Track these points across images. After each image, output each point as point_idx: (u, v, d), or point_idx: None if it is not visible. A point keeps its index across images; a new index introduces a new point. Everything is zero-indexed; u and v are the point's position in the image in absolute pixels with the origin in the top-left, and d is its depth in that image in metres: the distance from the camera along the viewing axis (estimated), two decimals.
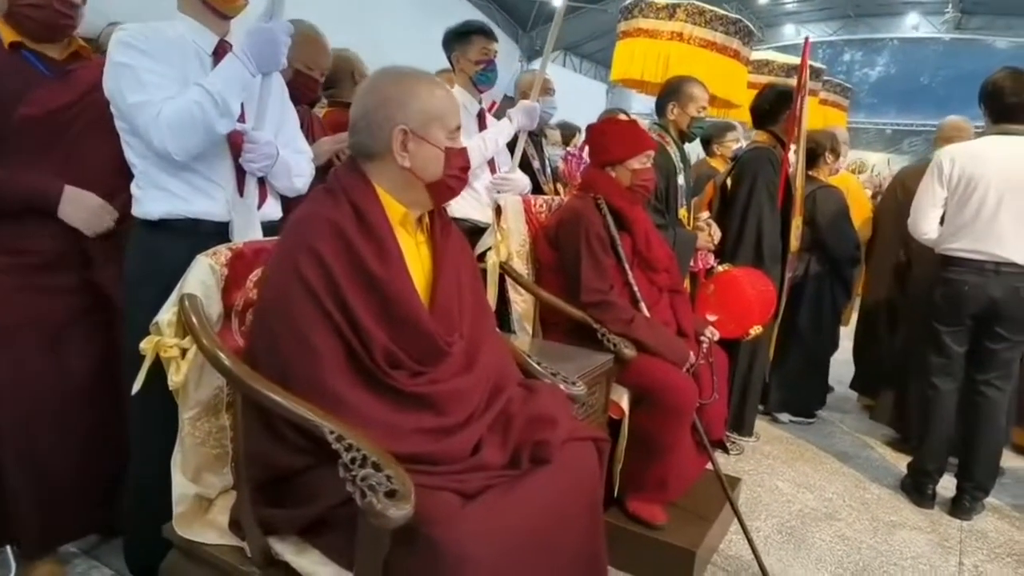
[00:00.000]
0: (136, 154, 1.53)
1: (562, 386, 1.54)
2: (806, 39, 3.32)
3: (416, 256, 1.32)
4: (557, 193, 3.00)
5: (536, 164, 2.93)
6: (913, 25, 15.39)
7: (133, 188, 1.56)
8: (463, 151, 1.35)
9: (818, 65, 5.45)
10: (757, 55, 4.78)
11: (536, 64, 14.39)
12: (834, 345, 3.61)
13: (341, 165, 1.34)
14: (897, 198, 3.59)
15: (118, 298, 1.67)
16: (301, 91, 2.15)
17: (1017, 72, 2.43)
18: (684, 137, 2.78)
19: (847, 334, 3.83)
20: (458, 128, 1.34)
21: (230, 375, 1.15)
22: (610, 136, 2.21)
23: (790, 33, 16.51)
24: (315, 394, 1.12)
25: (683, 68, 3.74)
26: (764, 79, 5.24)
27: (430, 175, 1.30)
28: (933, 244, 2.62)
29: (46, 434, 1.67)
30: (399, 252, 1.25)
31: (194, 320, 1.19)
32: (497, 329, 1.52)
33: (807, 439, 3.34)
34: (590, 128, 2.30)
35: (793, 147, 3.00)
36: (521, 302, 2.25)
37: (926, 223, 2.60)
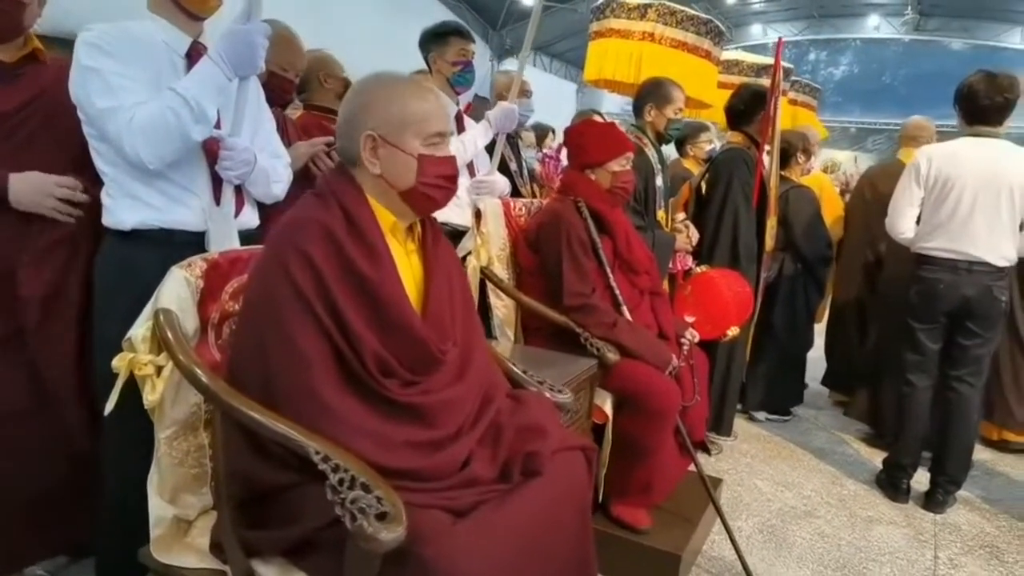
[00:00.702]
0: (106, 162, 1.46)
1: (548, 394, 1.52)
2: (779, 39, 3.35)
3: (407, 265, 1.29)
4: (535, 195, 2.98)
5: (513, 166, 2.92)
6: (875, 26, 15.74)
7: (103, 197, 1.50)
8: (445, 160, 1.28)
9: (787, 65, 5.53)
10: (726, 55, 4.82)
11: (506, 64, 14.37)
12: (809, 343, 3.66)
13: (331, 170, 1.30)
14: (865, 198, 3.66)
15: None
16: (275, 93, 2.10)
17: (991, 75, 2.47)
18: (661, 139, 2.78)
19: (819, 331, 3.89)
20: (439, 134, 1.27)
21: (209, 393, 1.11)
22: (589, 138, 2.19)
23: (757, 33, 16.76)
24: (302, 401, 1.09)
25: (655, 68, 3.75)
26: (734, 79, 5.30)
27: (402, 183, 1.25)
28: (909, 243, 2.66)
29: None
30: (390, 256, 1.22)
31: (170, 336, 1.14)
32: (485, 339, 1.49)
33: (784, 437, 3.38)
34: (568, 130, 2.29)
35: (767, 148, 3.03)
36: (502, 307, 2.23)
37: (903, 222, 2.64)
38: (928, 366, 2.70)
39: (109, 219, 1.50)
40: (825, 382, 3.97)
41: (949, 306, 2.56)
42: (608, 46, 4.01)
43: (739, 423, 3.38)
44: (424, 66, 2.66)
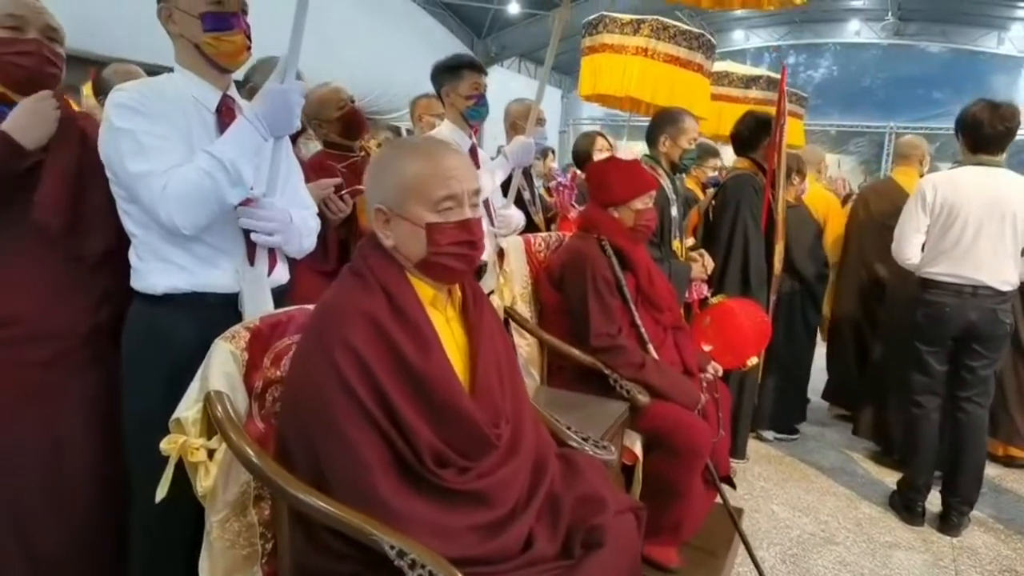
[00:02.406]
0: (135, 223, 1.42)
1: (590, 451, 1.50)
2: (783, 66, 3.37)
3: (449, 335, 1.25)
4: (547, 224, 2.96)
5: (527, 195, 2.89)
6: (855, 31, 15.94)
7: (132, 258, 1.46)
8: (460, 225, 1.20)
9: (772, 75, 5.59)
10: (716, 67, 4.85)
11: (492, 71, 14.30)
12: (810, 361, 3.68)
13: (365, 244, 1.26)
14: (859, 217, 3.70)
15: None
16: None
17: (994, 105, 2.52)
18: (675, 168, 2.78)
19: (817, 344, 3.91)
20: (449, 198, 1.19)
21: (274, 485, 1.07)
22: (612, 176, 2.17)
23: (739, 38, 16.90)
24: (358, 500, 1.05)
25: (648, 83, 3.78)
26: (724, 91, 5.35)
27: (415, 254, 1.20)
28: (915, 268, 2.70)
29: (39, 512, 1.53)
30: (436, 337, 1.18)
31: (223, 419, 1.10)
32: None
33: (794, 456, 3.40)
34: (591, 167, 2.27)
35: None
36: (526, 346, 2.21)
37: (910, 248, 2.68)
38: (936, 387, 2.73)
39: (139, 283, 1.45)
40: (826, 396, 4.00)
41: (956, 330, 2.61)
42: (601, 61, 4.02)
43: (749, 444, 3.39)
44: (429, 90, 2.64)
